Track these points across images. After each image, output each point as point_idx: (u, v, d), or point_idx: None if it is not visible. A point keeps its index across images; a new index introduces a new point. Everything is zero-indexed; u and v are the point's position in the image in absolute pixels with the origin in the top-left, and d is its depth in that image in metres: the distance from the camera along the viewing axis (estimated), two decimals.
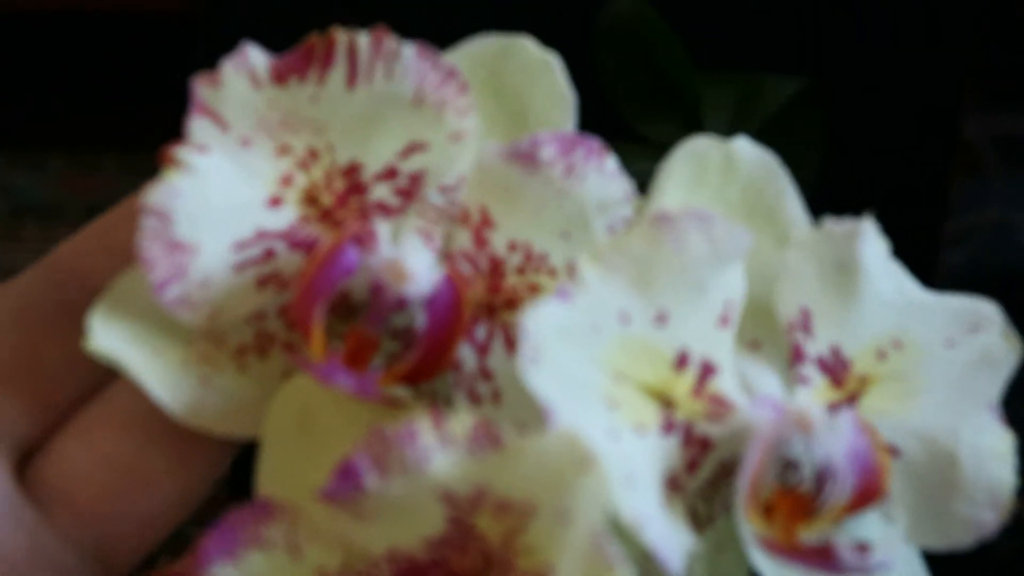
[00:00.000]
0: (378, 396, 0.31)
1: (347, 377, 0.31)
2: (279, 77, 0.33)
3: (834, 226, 0.35)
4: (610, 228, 0.34)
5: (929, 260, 1.00)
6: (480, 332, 0.34)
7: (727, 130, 0.97)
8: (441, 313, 0.32)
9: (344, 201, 0.34)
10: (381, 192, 0.34)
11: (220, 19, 1.10)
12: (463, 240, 0.34)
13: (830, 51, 1.00)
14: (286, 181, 0.34)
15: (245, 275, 0.33)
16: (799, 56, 1.00)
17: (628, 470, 0.31)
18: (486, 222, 0.34)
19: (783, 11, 1.00)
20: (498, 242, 0.34)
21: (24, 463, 0.35)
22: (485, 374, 0.34)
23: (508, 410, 0.35)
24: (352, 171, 0.34)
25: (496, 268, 0.34)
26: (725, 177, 0.37)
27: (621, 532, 0.31)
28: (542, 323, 0.30)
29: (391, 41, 0.33)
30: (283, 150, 0.34)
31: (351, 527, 0.30)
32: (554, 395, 0.30)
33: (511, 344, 0.34)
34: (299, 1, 0.96)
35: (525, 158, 0.34)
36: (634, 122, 1.05)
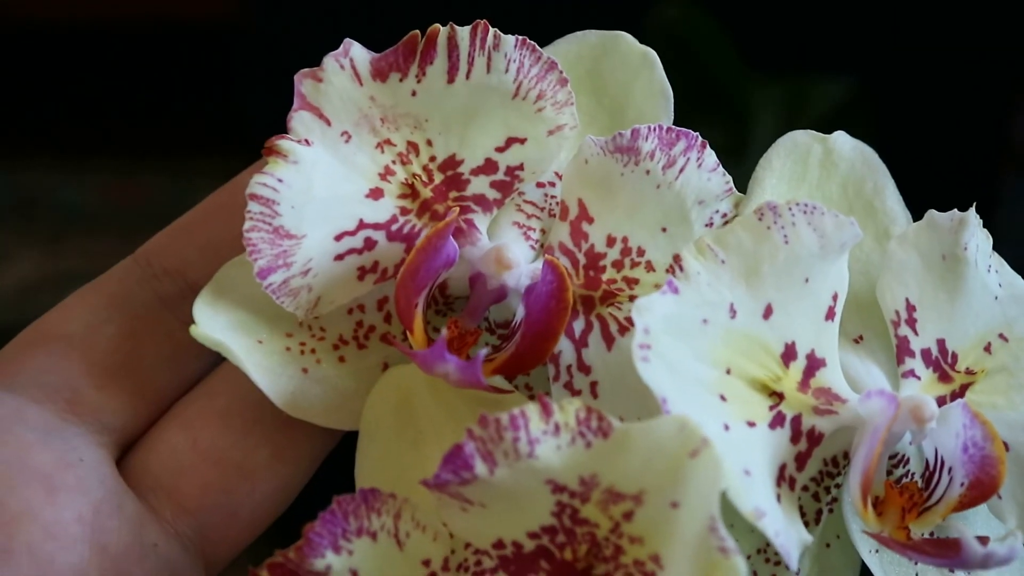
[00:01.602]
0: (482, 384, 0.31)
1: (453, 362, 0.30)
2: (380, 73, 0.33)
3: (939, 218, 0.35)
4: (708, 223, 0.34)
5: None
6: (578, 325, 0.34)
7: (775, 133, 0.97)
8: (543, 302, 0.32)
9: (443, 193, 0.34)
10: (479, 185, 0.34)
11: (257, 28, 1.11)
12: (561, 233, 0.34)
13: (878, 53, 0.99)
14: (386, 174, 0.34)
15: (346, 265, 0.34)
16: (847, 58, 0.99)
17: (744, 463, 0.30)
18: (584, 216, 0.34)
19: (832, 13, 0.99)
20: (596, 236, 0.34)
21: (125, 455, 0.35)
22: (583, 367, 0.34)
23: (605, 403, 0.34)
24: (451, 164, 0.34)
25: (594, 261, 0.34)
26: (825, 171, 0.37)
27: (731, 527, 0.31)
28: (654, 316, 0.30)
29: (493, 34, 0.33)
30: (384, 144, 0.34)
31: (457, 517, 0.30)
32: (667, 388, 0.29)
33: (609, 338, 0.34)
34: (335, 8, 0.96)
35: (626, 150, 0.34)
36: (682, 124, 1.05)
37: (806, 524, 0.34)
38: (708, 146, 0.34)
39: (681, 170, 0.34)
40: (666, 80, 0.36)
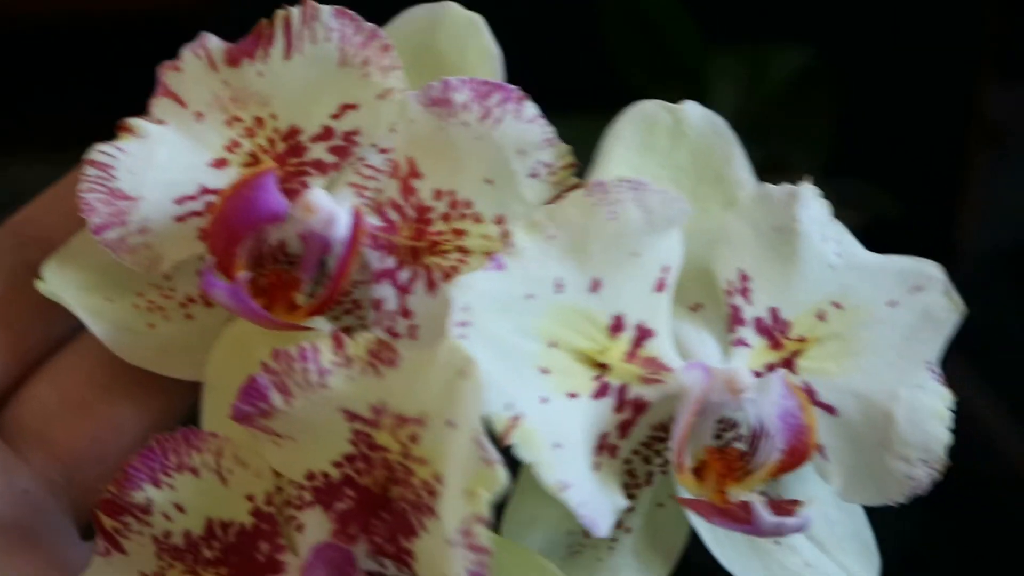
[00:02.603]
0: (256, 312, 0.33)
1: (221, 287, 0.33)
2: (232, 60, 0.37)
3: (772, 190, 0.36)
4: (532, 173, 0.35)
5: (945, 232, 1.00)
6: (404, 275, 0.36)
7: (734, 103, 0.97)
8: (348, 247, 0.34)
9: (283, 161, 0.36)
10: (317, 151, 0.36)
11: (236, 18, 1.12)
12: (392, 191, 0.36)
13: (837, 22, 0.99)
14: (232, 147, 0.36)
15: (187, 226, 0.36)
16: (806, 28, 0.99)
17: (556, 437, 0.32)
18: (413, 172, 0.36)
19: None
20: (424, 191, 0.36)
21: None
22: (405, 312, 0.36)
23: (423, 345, 0.35)
24: (292, 134, 0.36)
25: (422, 215, 0.36)
26: (674, 141, 0.37)
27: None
28: (474, 293, 0.31)
29: (313, 7, 0.36)
30: (232, 121, 0.37)
31: (272, 452, 0.32)
32: (484, 362, 0.30)
33: (432, 284, 0.35)
34: None
35: (440, 102, 0.35)
36: (642, 96, 1.06)
37: (637, 485, 0.36)
38: (528, 98, 0.36)
39: (498, 121, 0.35)
40: (493, 43, 0.37)
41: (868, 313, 0.37)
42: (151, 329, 0.37)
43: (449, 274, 0.35)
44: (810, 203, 0.36)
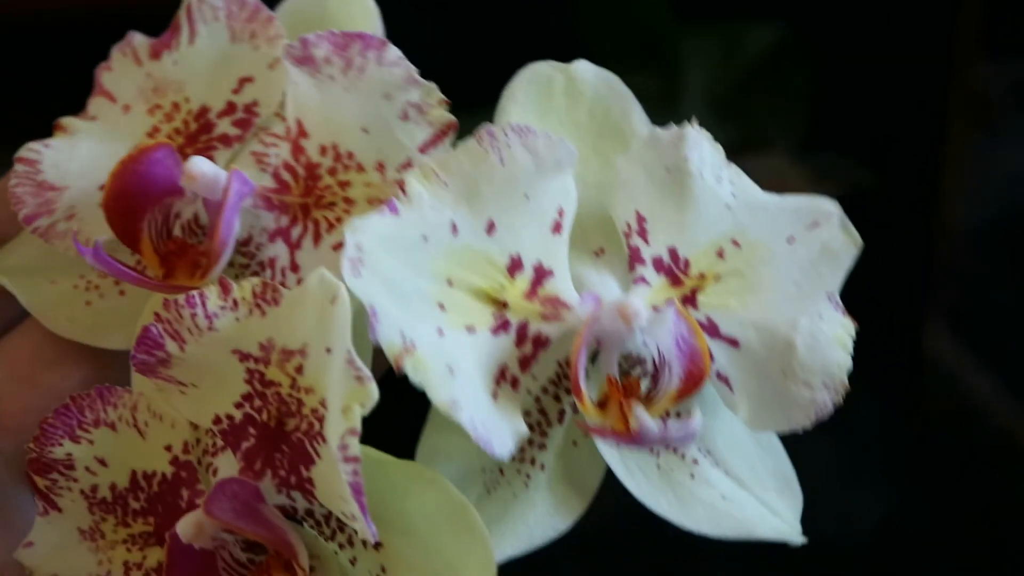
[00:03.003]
0: (144, 282, 0.36)
1: (88, 252, 0.35)
2: (154, 53, 0.40)
3: (660, 133, 0.37)
4: (403, 115, 0.37)
5: (926, 206, 1.00)
6: (295, 231, 0.37)
7: (707, 81, 0.98)
8: (219, 205, 0.36)
9: (194, 139, 0.38)
10: (223, 126, 0.38)
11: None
12: (284, 153, 0.38)
13: None
14: (153, 132, 0.39)
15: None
16: (781, 3, 1.00)
17: (449, 362, 0.33)
18: (301, 133, 0.38)
19: None
20: (312, 148, 0.37)
21: None
22: (294, 267, 0.37)
23: None
24: (202, 114, 0.39)
25: (311, 172, 0.37)
26: (571, 99, 0.39)
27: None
28: (367, 234, 0.33)
29: None
30: (153, 109, 0.39)
31: (180, 402, 0.34)
32: (377, 298, 0.33)
33: (318, 236, 0.37)
34: None
35: (304, 60, 0.37)
36: (617, 74, 1.06)
37: (549, 423, 0.38)
38: (389, 44, 0.37)
39: (361, 69, 0.37)
40: (372, 1, 0.40)
41: (767, 249, 0.38)
42: (88, 306, 0.39)
43: (334, 225, 0.37)
44: (700, 144, 0.37)
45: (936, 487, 0.93)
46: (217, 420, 0.34)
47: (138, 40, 0.40)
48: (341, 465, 0.30)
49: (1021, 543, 0.92)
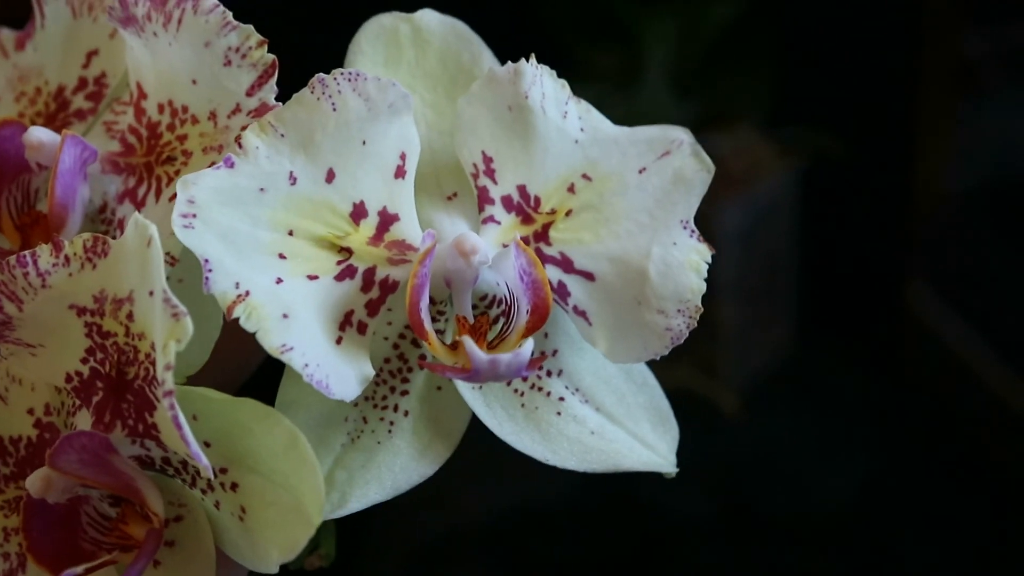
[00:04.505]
0: None
1: None
2: (20, 44, 0.41)
3: (498, 71, 0.37)
4: (225, 62, 0.37)
5: (904, 172, 0.99)
6: (140, 191, 0.38)
7: (673, 59, 0.98)
8: (53, 168, 0.37)
9: (54, 117, 0.40)
10: (78, 101, 0.40)
11: None
12: (128, 116, 0.39)
13: None
14: (20, 117, 0.40)
15: None
16: None
17: (284, 309, 0.34)
18: (141, 95, 0.38)
19: None
20: (151, 108, 0.38)
21: None
22: None
23: None
24: (60, 93, 0.40)
25: (152, 130, 0.38)
26: (419, 49, 0.39)
27: None
28: (200, 188, 0.34)
29: None
30: (19, 96, 0.41)
31: (32, 365, 0.35)
32: (212, 251, 0.33)
33: (159, 192, 0.38)
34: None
35: (128, 21, 0.37)
36: (578, 53, 1.07)
37: (410, 369, 0.38)
38: None
39: (180, 21, 0.37)
40: None
41: (618, 181, 0.38)
42: None
43: (173, 179, 0.37)
44: (540, 80, 0.37)
45: (919, 450, 0.92)
46: (68, 378, 0.35)
47: (5, 34, 0.42)
48: (163, 401, 0.31)
49: (1003, 505, 0.91)
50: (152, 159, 0.38)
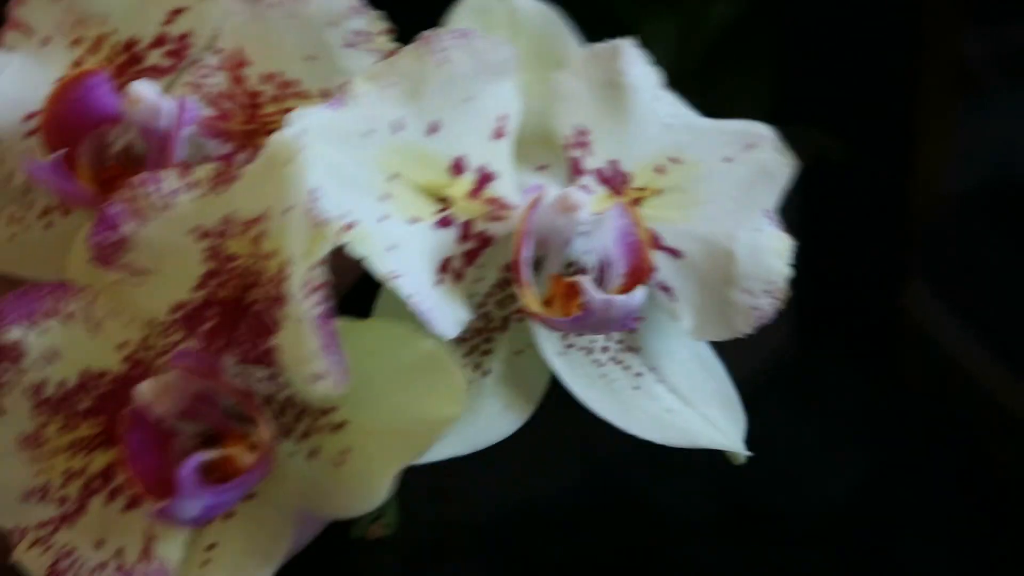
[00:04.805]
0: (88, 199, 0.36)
1: (56, 171, 0.36)
2: None
3: (598, 48, 0.38)
4: (348, 43, 0.37)
5: (903, 174, 1.00)
6: (241, 158, 0.38)
7: (672, 57, 0.99)
8: (171, 130, 0.37)
9: (123, 70, 0.39)
10: (154, 57, 0.39)
11: None
12: (224, 82, 0.38)
13: None
14: (77, 64, 0.39)
15: (35, 141, 0.38)
16: None
17: (391, 242, 0.34)
18: (241, 62, 0.38)
19: None
20: (253, 77, 0.38)
21: None
22: None
23: None
24: (130, 46, 0.39)
25: (253, 100, 0.38)
26: (512, 31, 0.40)
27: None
28: (310, 122, 0.34)
29: None
30: (76, 42, 0.40)
31: (136, 293, 0.34)
32: (319, 182, 0.33)
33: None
34: None
35: None
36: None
37: (493, 330, 0.38)
38: None
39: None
40: None
41: (705, 168, 0.39)
42: (13, 239, 0.39)
43: None
44: (637, 61, 0.39)
45: (916, 452, 0.93)
46: (175, 308, 0.34)
47: None
48: (307, 303, 0.31)
49: (1001, 508, 0.92)
50: (254, 128, 0.38)
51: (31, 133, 0.39)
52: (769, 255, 0.38)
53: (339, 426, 0.34)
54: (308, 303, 0.31)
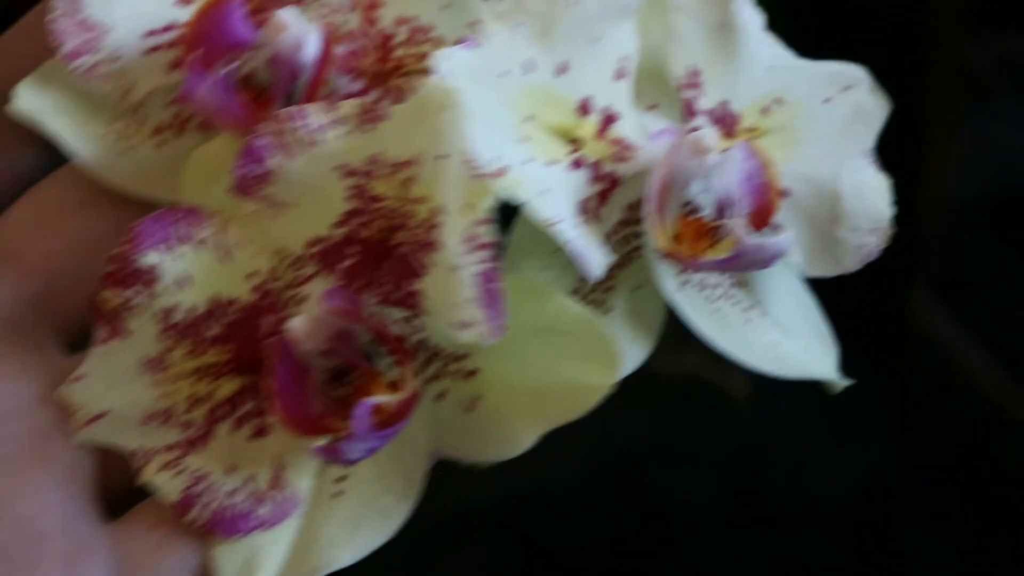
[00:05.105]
0: (246, 121, 0.35)
1: (222, 87, 0.35)
2: None
3: None
4: None
5: (911, 179, 1.01)
6: (371, 96, 0.38)
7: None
8: (318, 64, 0.36)
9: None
10: None
11: None
12: (354, 21, 0.38)
13: None
14: None
15: (155, 59, 0.38)
16: None
17: (542, 186, 0.34)
18: (374, 3, 0.38)
19: None
20: (386, 19, 0.38)
21: None
22: None
23: None
24: None
25: (385, 42, 0.37)
26: None
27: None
28: (455, 62, 0.34)
29: None
30: None
31: (271, 224, 0.34)
32: (473, 127, 0.33)
33: (399, 100, 0.36)
34: None
35: None
36: None
37: (619, 266, 0.38)
38: None
39: None
40: None
41: (806, 108, 0.41)
42: (124, 153, 0.38)
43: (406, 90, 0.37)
44: (746, 3, 0.40)
45: (921, 458, 0.94)
46: (312, 242, 0.34)
47: None
48: (468, 259, 0.31)
49: (1005, 513, 0.94)
50: (386, 69, 0.37)
51: (150, 51, 0.37)
52: (873, 194, 0.40)
53: (471, 373, 0.34)
54: (470, 259, 0.31)
